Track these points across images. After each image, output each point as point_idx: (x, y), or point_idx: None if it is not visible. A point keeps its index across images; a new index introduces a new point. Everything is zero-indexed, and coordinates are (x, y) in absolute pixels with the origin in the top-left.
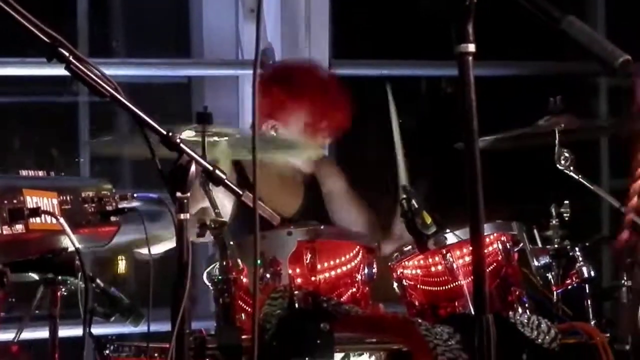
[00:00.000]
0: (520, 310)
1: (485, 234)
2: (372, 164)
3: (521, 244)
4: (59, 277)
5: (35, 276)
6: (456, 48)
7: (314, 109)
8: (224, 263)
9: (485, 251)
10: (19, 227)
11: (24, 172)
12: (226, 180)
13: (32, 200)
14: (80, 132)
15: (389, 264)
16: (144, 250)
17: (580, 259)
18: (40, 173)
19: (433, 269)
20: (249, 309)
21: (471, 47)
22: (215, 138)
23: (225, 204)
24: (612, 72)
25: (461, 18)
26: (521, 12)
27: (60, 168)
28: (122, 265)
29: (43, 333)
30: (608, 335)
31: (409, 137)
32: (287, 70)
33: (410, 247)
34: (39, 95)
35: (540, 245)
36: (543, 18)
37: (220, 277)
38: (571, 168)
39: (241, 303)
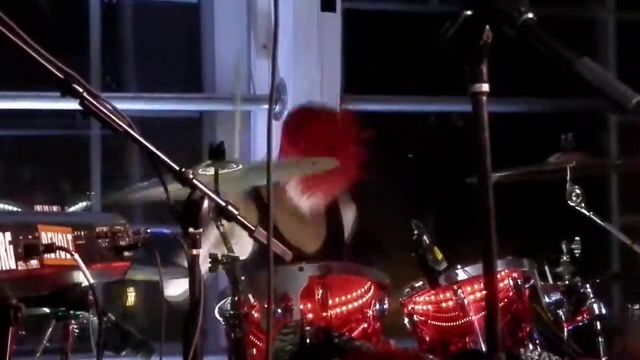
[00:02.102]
0: (530, 346)
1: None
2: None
3: (532, 281)
4: (71, 312)
5: (46, 310)
6: (470, 88)
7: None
8: (236, 298)
9: None
10: (34, 263)
11: (38, 207)
12: (238, 216)
13: (46, 235)
14: (92, 166)
15: (400, 299)
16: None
17: (591, 295)
18: (55, 208)
19: (444, 304)
20: (261, 344)
21: (485, 87)
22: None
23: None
24: (625, 113)
25: (475, 58)
26: (534, 52)
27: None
28: (131, 298)
29: None
30: None
31: (419, 171)
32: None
33: (421, 282)
34: (51, 128)
35: (551, 281)
36: (557, 60)
37: (231, 312)
38: (582, 205)
39: (252, 338)
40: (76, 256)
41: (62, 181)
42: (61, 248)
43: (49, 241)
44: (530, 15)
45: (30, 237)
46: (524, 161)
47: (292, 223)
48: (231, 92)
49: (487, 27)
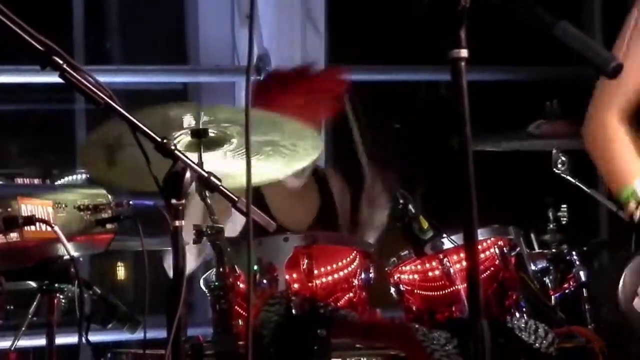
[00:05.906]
0: (517, 314)
1: (482, 238)
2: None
3: (518, 249)
4: (56, 285)
5: (32, 284)
6: (449, 53)
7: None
8: (221, 269)
9: (482, 256)
10: (14, 236)
11: (19, 180)
12: (221, 187)
13: (26, 208)
14: (76, 140)
15: (386, 269)
16: None
17: (578, 263)
18: (36, 181)
19: (430, 273)
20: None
21: (464, 53)
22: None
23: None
24: (605, 76)
25: (453, 24)
26: (514, 17)
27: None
28: (121, 272)
29: (40, 341)
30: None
31: (407, 141)
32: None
33: (407, 252)
34: (34, 102)
35: (537, 249)
36: (535, 23)
37: (217, 284)
38: (568, 172)
39: (238, 309)
40: (56, 228)
41: (47, 155)
42: (41, 220)
43: (29, 214)
44: None
45: (9, 209)
46: (509, 129)
47: (280, 200)
48: None
49: None
